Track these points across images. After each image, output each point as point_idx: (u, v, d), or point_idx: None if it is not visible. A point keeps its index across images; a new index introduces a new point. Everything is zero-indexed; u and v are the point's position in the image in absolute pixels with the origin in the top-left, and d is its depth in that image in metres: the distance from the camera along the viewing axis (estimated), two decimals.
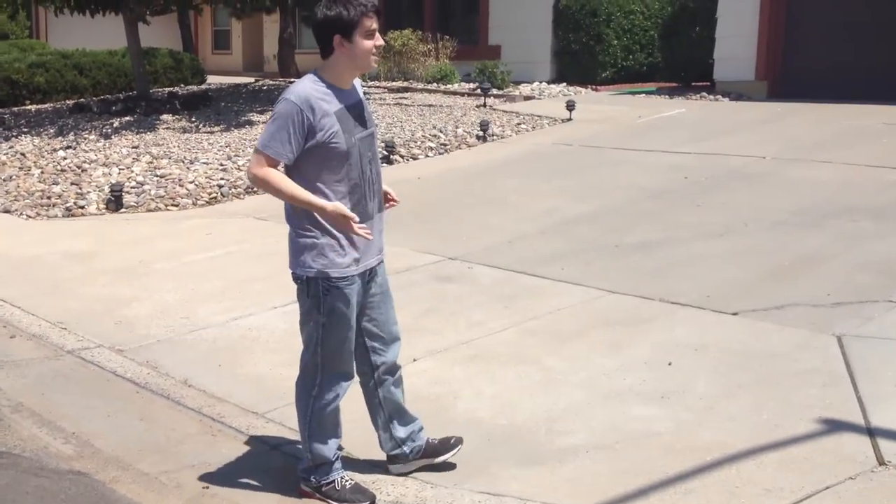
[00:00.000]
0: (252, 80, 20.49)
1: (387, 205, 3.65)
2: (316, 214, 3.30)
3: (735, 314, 5.35)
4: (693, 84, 16.12)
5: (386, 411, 3.64)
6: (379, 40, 3.29)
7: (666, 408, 4.16)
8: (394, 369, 3.63)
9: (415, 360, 4.89)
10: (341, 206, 3.26)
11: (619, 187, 8.87)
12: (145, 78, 15.38)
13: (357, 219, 3.28)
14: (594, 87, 16.89)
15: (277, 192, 3.27)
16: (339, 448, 3.53)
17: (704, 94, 14.90)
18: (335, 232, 3.32)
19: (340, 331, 3.39)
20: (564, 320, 5.41)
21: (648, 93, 15.95)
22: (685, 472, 3.48)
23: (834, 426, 3.83)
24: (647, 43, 17.67)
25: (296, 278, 3.41)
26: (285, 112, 3.23)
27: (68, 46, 20.17)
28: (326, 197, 3.29)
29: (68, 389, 4.56)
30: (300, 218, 3.34)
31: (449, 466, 3.69)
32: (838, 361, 4.57)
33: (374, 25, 3.27)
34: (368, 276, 3.48)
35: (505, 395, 4.40)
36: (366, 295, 3.49)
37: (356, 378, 3.57)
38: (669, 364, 4.67)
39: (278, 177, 3.26)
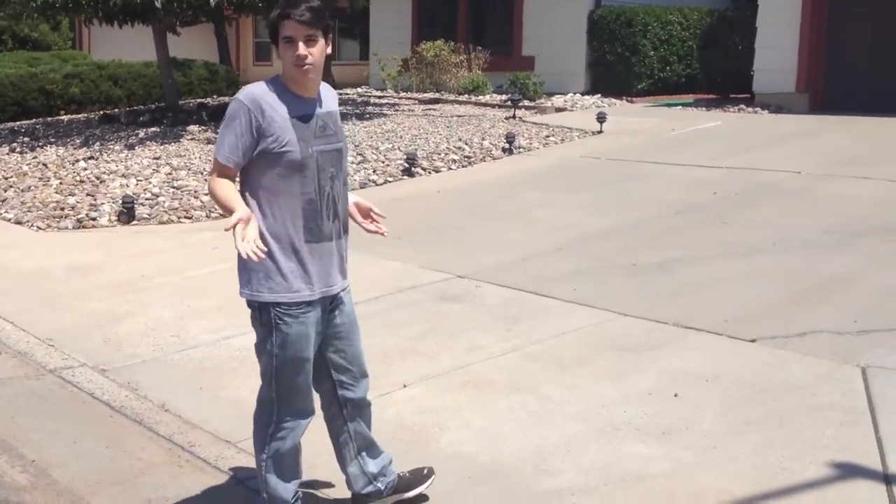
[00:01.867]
0: None
1: (371, 224, 3.39)
2: (263, 226, 3.03)
3: (753, 341, 5.01)
4: (732, 96, 15.68)
5: (356, 445, 3.37)
6: (301, 50, 2.97)
7: (665, 445, 3.84)
8: (363, 405, 3.37)
9: (405, 385, 4.63)
10: (242, 215, 2.90)
11: (644, 202, 8.54)
12: (174, 88, 15.35)
13: (248, 237, 2.87)
14: (629, 98, 16.52)
15: (213, 197, 3.04)
16: (298, 489, 3.27)
17: (743, 106, 14.47)
18: (290, 245, 3.05)
19: (295, 364, 3.12)
20: (569, 345, 5.11)
21: (685, 104, 15.55)
22: None
23: (847, 471, 3.48)
24: (685, 54, 17.25)
25: (248, 303, 3.15)
26: (233, 113, 3.01)
27: (110, 57, 20.30)
28: (275, 209, 3.03)
29: (40, 412, 4.37)
30: None
31: (422, 501, 3.42)
32: (860, 396, 4.22)
33: (291, 33, 2.97)
34: (331, 305, 3.21)
35: (494, 427, 4.11)
36: (330, 324, 3.23)
37: (318, 413, 3.31)
38: (675, 395, 4.35)
39: (217, 184, 3.02)
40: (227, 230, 2.88)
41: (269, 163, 3.02)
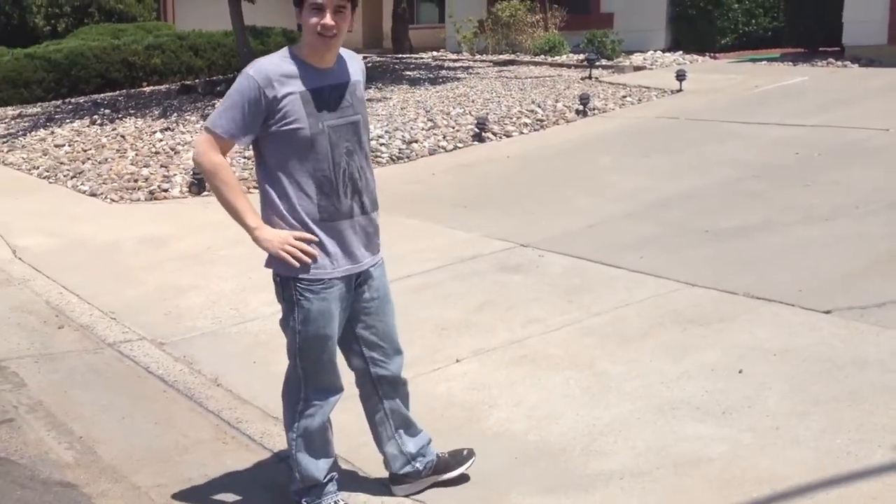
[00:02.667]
0: (361, 57, 20.33)
1: None
2: (280, 205, 2.95)
3: (828, 312, 4.72)
4: (821, 49, 14.94)
5: (392, 424, 3.27)
6: (328, 19, 2.84)
7: (725, 426, 3.64)
8: (398, 383, 3.26)
9: (458, 360, 4.52)
10: (277, 234, 2.93)
11: (721, 164, 8.19)
12: (250, 57, 15.33)
13: (307, 237, 2.94)
14: (712, 54, 15.93)
15: (214, 187, 2.94)
16: (332, 468, 3.20)
17: (832, 59, 13.78)
18: (312, 227, 2.96)
19: (318, 341, 3.03)
20: (631, 317, 4.91)
21: (771, 59, 14.89)
22: None
23: None
24: (771, 6, 16.52)
25: (273, 278, 3.08)
26: (241, 88, 2.89)
27: (194, 27, 20.53)
28: (290, 188, 2.93)
29: (94, 387, 4.42)
30: (271, 207, 2.98)
31: (461, 482, 3.32)
32: None
33: (322, 0, 2.84)
34: (358, 280, 3.09)
35: (546, 404, 3.97)
36: (358, 300, 3.12)
37: (354, 392, 3.22)
38: (740, 372, 4.13)
39: (222, 170, 2.91)
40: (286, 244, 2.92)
41: (278, 140, 2.91)
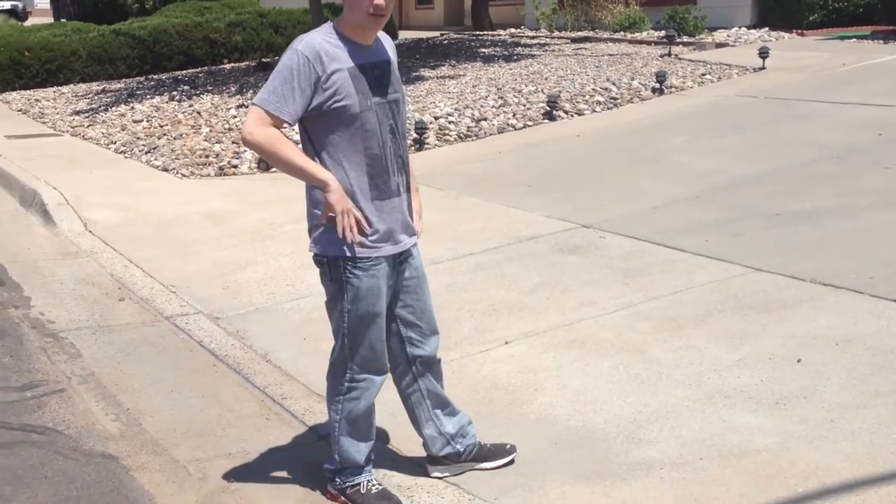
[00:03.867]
0: (438, 34, 20.29)
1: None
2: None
3: None
4: None
5: (429, 404, 3.23)
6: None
7: (777, 417, 3.50)
8: (433, 362, 3.21)
9: (507, 342, 4.45)
10: (346, 201, 2.88)
11: (799, 145, 7.89)
12: None
13: (359, 216, 2.90)
14: (799, 31, 15.36)
15: (276, 157, 2.86)
16: (371, 452, 3.17)
17: None
18: (356, 203, 2.92)
19: (368, 319, 3.00)
20: (688, 302, 4.76)
21: (860, 37, 14.28)
22: None
23: None
24: None
25: (316, 261, 3.05)
26: (291, 64, 2.83)
27: (280, 5, 20.72)
28: (340, 168, 2.90)
29: (147, 359, 4.49)
30: (315, 188, 2.95)
31: (499, 473, 3.26)
32: None
33: None
34: (401, 258, 3.07)
35: (592, 390, 3.88)
36: (399, 279, 3.09)
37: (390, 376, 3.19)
38: (799, 361, 3.97)
39: (279, 140, 2.85)
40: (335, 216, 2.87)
41: (327, 118, 2.87)
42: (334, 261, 2.97)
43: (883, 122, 8.34)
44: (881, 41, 13.63)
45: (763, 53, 11.82)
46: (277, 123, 2.86)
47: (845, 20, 15.74)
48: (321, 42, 2.86)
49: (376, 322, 3.03)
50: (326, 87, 2.83)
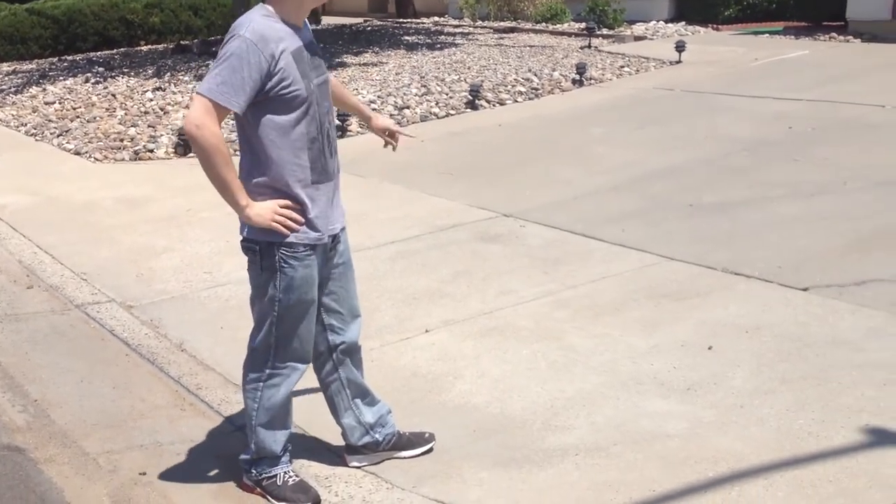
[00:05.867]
0: (362, 20, 20.13)
1: (391, 141, 3.42)
2: (271, 170, 2.85)
3: (805, 290, 4.66)
4: (825, 24, 14.73)
5: (349, 393, 3.21)
6: None
7: (688, 403, 3.58)
8: (354, 349, 3.19)
9: (427, 330, 4.46)
10: (265, 206, 2.83)
11: (713, 138, 8.08)
12: None
13: (290, 203, 2.86)
14: (715, 26, 15.72)
15: (210, 161, 2.73)
16: (288, 442, 3.14)
17: (834, 34, 13.57)
18: (295, 189, 2.87)
19: (300, 308, 2.96)
20: (606, 290, 4.84)
21: (773, 32, 14.68)
22: (675, 491, 2.93)
23: (879, 438, 3.18)
24: None
25: (246, 247, 2.97)
26: (238, 51, 2.72)
27: None
28: (281, 152, 2.83)
29: (56, 349, 4.36)
30: (258, 173, 2.87)
31: (417, 461, 3.27)
32: None
33: None
34: (331, 245, 3.04)
35: (511, 377, 3.92)
36: (327, 265, 3.05)
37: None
38: (710, 348, 4.07)
39: (220, 147, 2.72)
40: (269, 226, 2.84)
41: (273, 104, 2.79)
42: (268, 248, 2.89)
43: (793, 115, 8.60)
44: (792, 37, 14.04)
45: (680, 47, 12.05)
46: (223, 114, 2.76)
47: (759, 16, 16.15)
48: (265, 26, 2.77)
49: (309, 310, 2.99)
50: (275, 73, 2.75)
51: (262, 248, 2.91)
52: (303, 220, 2.88)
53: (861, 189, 6.26)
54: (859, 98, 9.05)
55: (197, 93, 2.79)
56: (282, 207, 2.85)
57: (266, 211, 2.83)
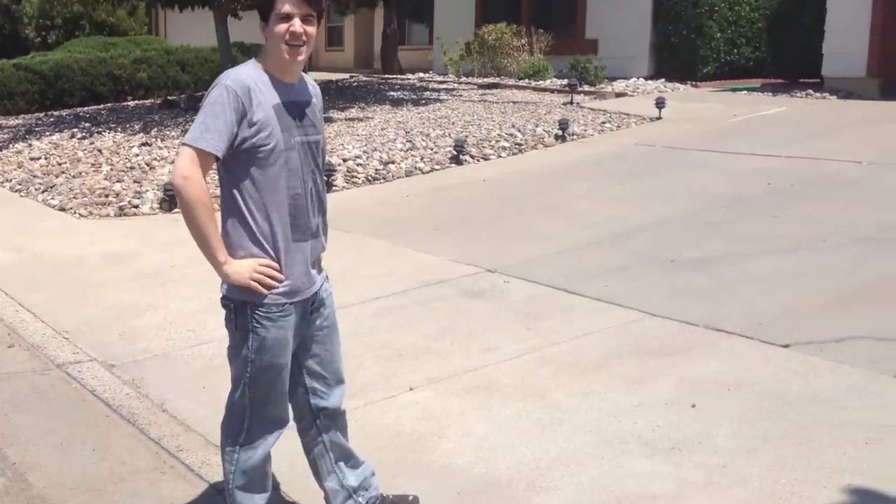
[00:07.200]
0: (348, 76, 20.36)
1: None
2: (251, 226, 2.88)
3: (786, 346, 4.69)
4: (801, 80, 15.03)
5: (332, 456, 3.19)
6: (297, 27, 2.80)
7: (672, 463, 3.59)
8: (338, 414, 3.19)
9: (411, 388, 4.45)
10: (244, 264, 2.85)
11: (693, 194, 8.18)
12: None
13: (270, 262, 2.87)
14: (694, 83, 15.99)
15: (193, 214, 2.76)
16: (268, 502, 3.11)
17: (811, 91, 13.83)
18: (274, 245, 2.88)
19: (271, 371, 2.96)
20: (589, 347, 4.86)
21: (751, 89, 14.96)
22: None
23: (862, 499, 3.19)
24: (753, 36, 16.60)
25: (223, 304, 2.99)
26: (221, 99, 2.76)
27: (187, 42, 20.43)
28: (261, 207, 2.86)
29: (36, 410, 4.32)
30: (238, 227, 2.88)
31: None
32: (891, 411, 3.89)
33: (290, 9, 2.80)
34: (312, 306, 3.05)
35: (495, 436, 3.91)
36: (309, 327, 3.06)
37: (291, 424, 3.15)
38: (693, 406, 4.08)
39: (206, 202, 2.76)
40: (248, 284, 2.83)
41: (251, 155, 2.82)
42: (242, 307, 2.91)
43: (772, 171, 8.72)
44: (770, 94, 14.29)
45: (660, 104, 12.24)
46: (208, 164, 2.80)
47: (737, 73, 16.46)
48: (248, 78, 2.83)
49: (281, 374, 2.99)
50: (253, 123, 2.79)
51: (236, 306, 2.92)
52: (283, 278, 2.89)
53: (841, 245, 6.33)
54: (837, 154, 9.20)
55: (182, 144, 2.84)
56: (262, 265, 2.87)
57: (244, 269, 2.85)
